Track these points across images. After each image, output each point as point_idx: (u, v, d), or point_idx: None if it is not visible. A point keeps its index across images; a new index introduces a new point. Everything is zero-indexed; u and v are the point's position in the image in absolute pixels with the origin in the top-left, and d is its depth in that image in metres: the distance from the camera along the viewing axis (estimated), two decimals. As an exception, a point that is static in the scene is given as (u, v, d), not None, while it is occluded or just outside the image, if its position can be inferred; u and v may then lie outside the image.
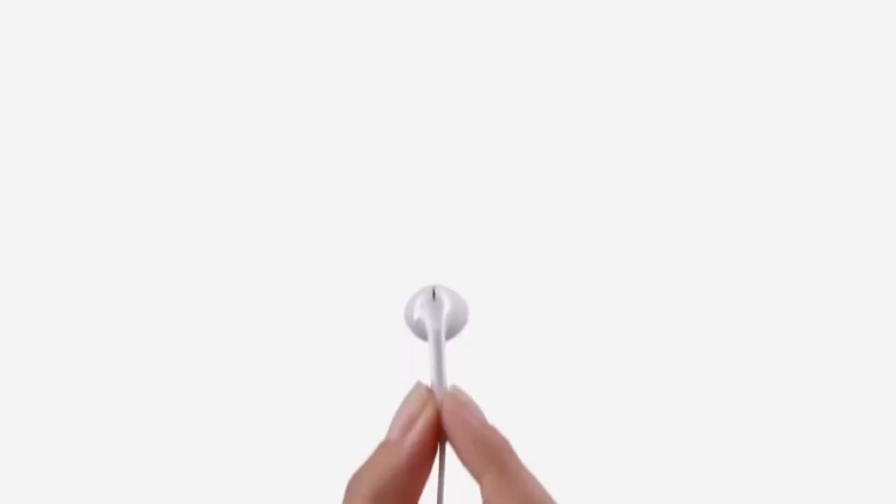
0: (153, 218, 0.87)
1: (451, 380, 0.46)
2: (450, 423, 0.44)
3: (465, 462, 0.44)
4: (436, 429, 0.45)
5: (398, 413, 0.45)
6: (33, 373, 0.85)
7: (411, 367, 0.48)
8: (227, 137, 0.87)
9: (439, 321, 0.47)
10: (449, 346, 0.47)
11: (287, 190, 0.87)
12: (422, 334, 0.48)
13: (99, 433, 0.84)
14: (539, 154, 0.89)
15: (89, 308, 0.86)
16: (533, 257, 0.86)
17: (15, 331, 0.85)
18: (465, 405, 0.45)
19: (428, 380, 0.46)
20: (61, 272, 0.86)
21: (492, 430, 0.44)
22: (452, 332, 0.48)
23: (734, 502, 0.85)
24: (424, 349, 0.47)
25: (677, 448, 0.86)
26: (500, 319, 0.79)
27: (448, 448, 0.45)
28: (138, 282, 0.86)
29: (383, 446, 0.44)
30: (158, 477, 0.83)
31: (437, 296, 0.47)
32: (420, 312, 0.47)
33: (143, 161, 0.87)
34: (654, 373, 0.86)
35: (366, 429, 0.48)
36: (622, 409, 0.85)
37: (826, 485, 0.85)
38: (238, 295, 0.86)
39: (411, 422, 0.44)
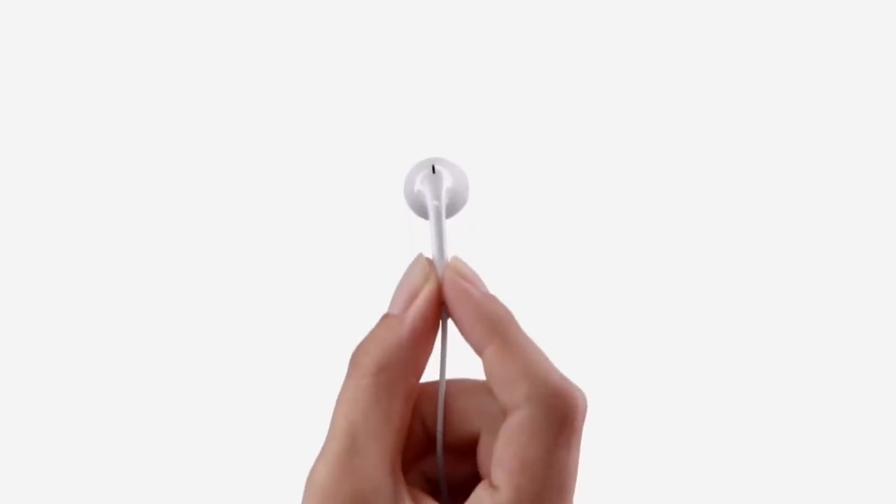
0: (153, 217, 0.86)
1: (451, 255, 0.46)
2: (451, 295, 0.44)
3: (467, 334, 0.44)
4: (438, 302, 0.44)
5: (399, 286, 0.45)
6: (34, 373, 0.85)
7: (411, 244, 0.47)
8: (227, 137, 0.86)
9: (439, 195, 0.46)
10: (449, 224, 0.47)
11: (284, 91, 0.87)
12: (421, 209, 0.47)
13: (99, 433, 0.84)
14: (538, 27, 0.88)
15: (89, 308, 0.86)
16: (535, 135, 0.86)
17: (15, 331, 0.85)
18: (466, 276, 0.44)
19: (429, 255, 0.46)
20: (61, 272, 0.86)
21: (494, 300, 0.44)
22: (453, 207, 0.47)
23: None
24: (424, 226, 0.47)
25: (669, 312, 0.86)
26: (501, 196, 0.79)
27: (450, 323, 0.45)
28: (138, 281, 0.85)
29: (385, 320, 0.44)
30: (158, 477, 0.84)
31: (436, 170, 0.46)
32: (420, 186, 0.46)
33: (143, 161, 0.86)
34: (652, 239, 0.86)
35: (368, 302, 0.48)
36: (622, 283, 0.85)
37: (825, 484, 0.86)
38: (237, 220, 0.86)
39: (413, 295, 0.44)
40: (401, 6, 0.87)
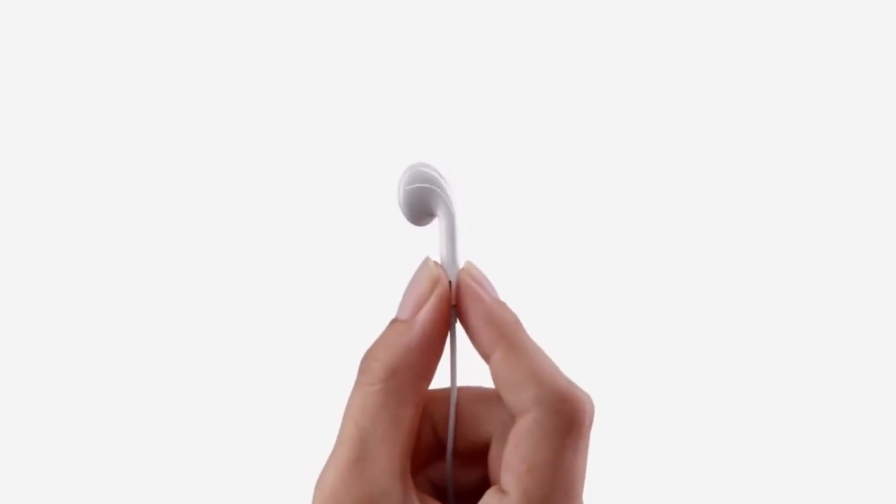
0: (153, 217, 0.86)
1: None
2: (463, 299, 0.44)
3: (475, 338, 0.44)
4: (447, 306, 0.44)
5: (408, 291, 0.44)
6: (34, 373, 0.85)
7: (416, 247, 0.47)
8: (227, 137, 0.87)
9: (449, 199, 0.46)
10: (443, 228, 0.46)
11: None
12: (419, 215, 0.47)
13: (99, 433, 0.84)
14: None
15: (91, 309, 0.86)
16: (531, 139, 0.86)
17: (16, 331, 0.85)
18: (479, 281, 0.44)
19: (436, 257, 0.46)
20: (61, 272, 0.86)
21: (503, 306, 0.44)
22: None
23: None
24: (428, 230, 0.47)
25: (672, 315, 0.87)
26: (503, 198, 0.79)
27: (459, 328, 0.45)
28: (138, 281, 0.86)
29: (394, 325, 0.44)
30: (158, 477, 0.84)
31: (442, 174, 0.47)
32: (426, 191, 0.46)
33: (143, 160, 0.87)
34: (652, 241, 0.86)
35: (375, 308, 0.48)
36: (623, 286, 0.85)
37: (826, 484, 0.86)
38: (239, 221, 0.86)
39: (422, 299, 0.44)
40: (399, 10, 0.87)
